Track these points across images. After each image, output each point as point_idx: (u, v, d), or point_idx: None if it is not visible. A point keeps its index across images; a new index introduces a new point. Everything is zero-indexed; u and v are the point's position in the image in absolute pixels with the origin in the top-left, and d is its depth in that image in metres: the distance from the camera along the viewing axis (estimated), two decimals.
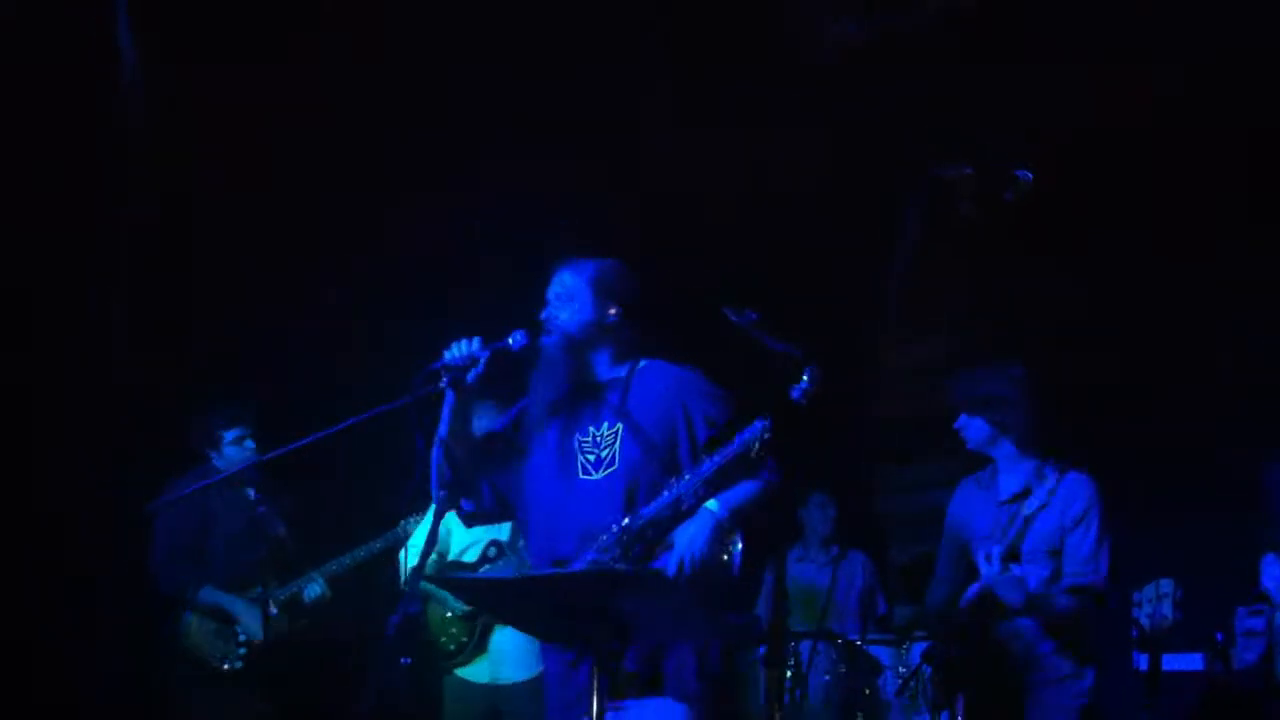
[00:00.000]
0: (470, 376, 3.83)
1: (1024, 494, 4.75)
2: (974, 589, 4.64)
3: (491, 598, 3.94)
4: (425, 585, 5.40)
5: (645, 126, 6.84)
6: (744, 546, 3.76)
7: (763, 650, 5.30)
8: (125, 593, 5.83)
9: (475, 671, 5.55)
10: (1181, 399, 6.52)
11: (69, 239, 5.74)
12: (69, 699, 5.66)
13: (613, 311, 4.02)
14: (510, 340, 3.87)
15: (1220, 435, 6.22)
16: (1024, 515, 4.62)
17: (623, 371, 4.03)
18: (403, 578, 5.37)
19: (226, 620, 5.78)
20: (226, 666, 5.74)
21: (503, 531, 5.55)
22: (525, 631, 4.42)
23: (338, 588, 5.91)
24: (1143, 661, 4.43)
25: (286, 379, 6.39)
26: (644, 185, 6.86)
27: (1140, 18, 6.06)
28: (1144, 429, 6.41)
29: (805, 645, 5.34)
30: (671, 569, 3.67)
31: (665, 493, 3.78)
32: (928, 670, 4.91)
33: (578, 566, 3.75)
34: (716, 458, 3.74)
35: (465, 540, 5.65)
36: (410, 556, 5.45)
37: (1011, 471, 4.84)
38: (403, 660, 5.09)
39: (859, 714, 5.20)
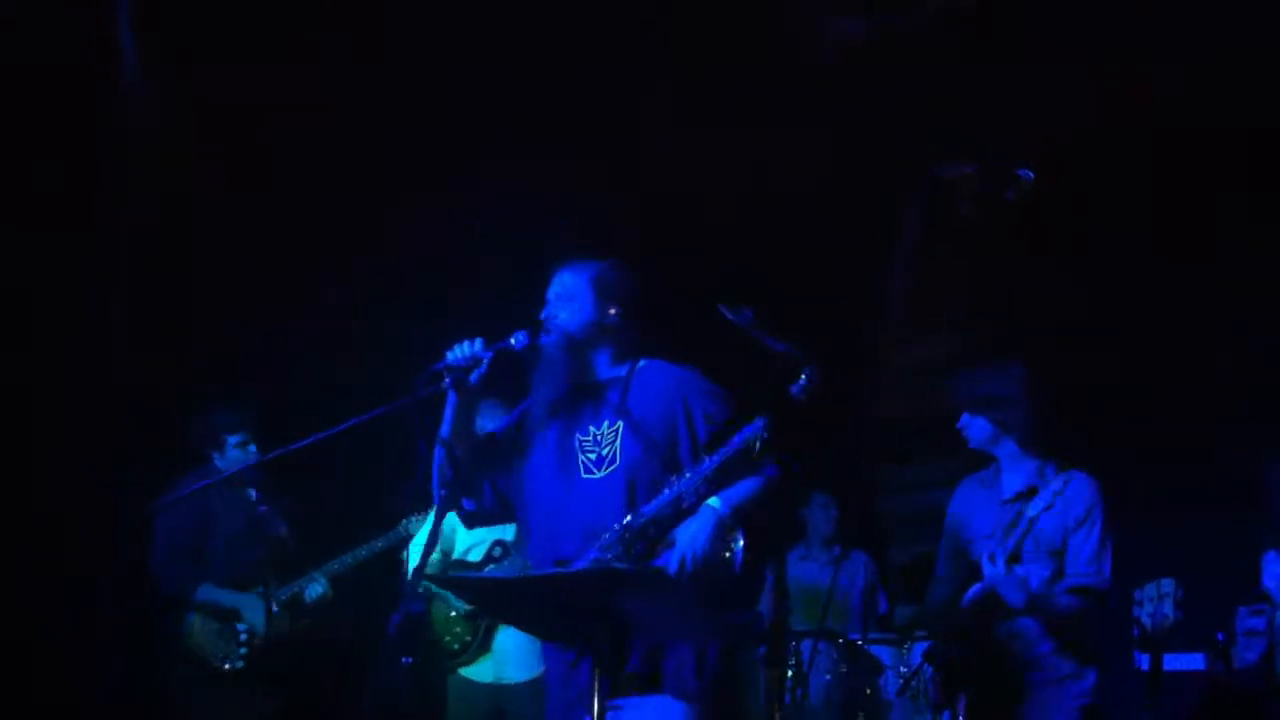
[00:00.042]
0: (473, 377, 3.85)
1: (1027, 493, 4.75)
2: (976, 589, 4.64)
3: (492, 597, 3.94)
4: (428, 584, 5.41)
5: (645, 126, 6.83)
6: (746, 544, 3.76)
7: (763, 650, 5.30)
8: (125, 593, 5.82)
9: (479, 671, 5.54)
10: (1181, 399, 6.53)
11: (69, 239, 5.73)
12: (69, 699, 5.65)
13: (613, 311, 4.03)
14: (513, 340, 3.88)
15: (1220, 435, 6.23)
16: (1029, 516, 4.62)
17: (623, 371, 4.04)
18: (407, 577, 5.38)
19: (228, 618, 5.78)
20: (228, 666, 5.74)
21: (508, 532, 5.55)
22: (527, 631, 4.43)
23: (339, 587, 5.91)
24: (1144, 661, 4.44)
25: (286, 379, 6.39)
26: (644, 185, 6.85)
27: (1140, 18, 6.05)
28: (1144, 429, 6.41)
29: (806, 645, 5.35)
30: (673, 566, 3.67)
31: (666, 490, 3.78)
32: (929, 670, 4.91)
33: (579, 565, 3.75)
34: (717, 456, 3.74)
35: (470, 540, 5.65)
36: (413, 556, 5.45)
37: (1014, 471, 4.85)
38: (404, 660, 5.10)
39: (860, 714, 5.21)
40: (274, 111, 6.27)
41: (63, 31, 5.67)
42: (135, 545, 5.74)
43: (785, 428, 3.67)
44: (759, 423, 3.69)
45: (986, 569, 4.60)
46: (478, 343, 3.85)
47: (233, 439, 5.89)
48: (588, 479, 3.93)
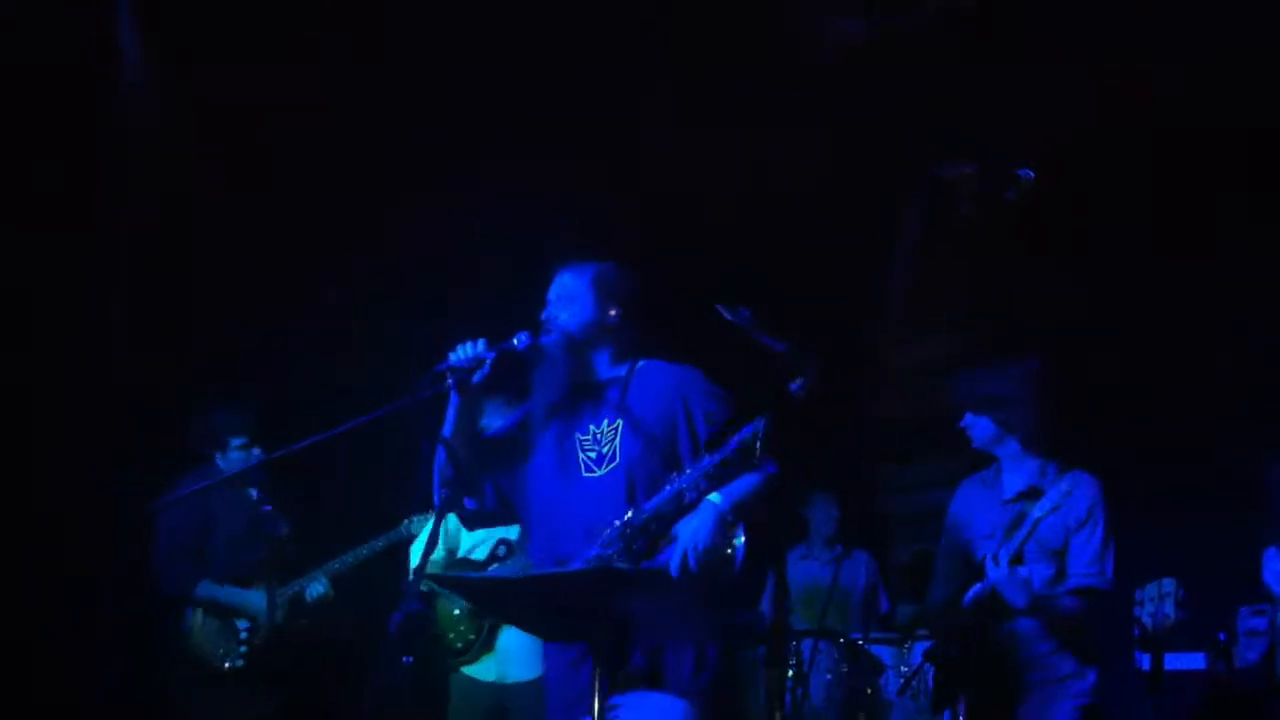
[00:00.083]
0: (476, 378, 3.85)
1: (1030, 493, 4.75)
2: (976, 589, 4.64)
3: (491, 597, 3.94)
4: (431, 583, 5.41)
5: (645, 126, 6.83)
6: (746, 540, 3.75)
7: (764, 649, 5.30)
8: (125, 593, 5.81)
9: (482, 669, 5.54)
10: (1181, 399, 6.54)
11: (69, 239, 5.72)
12: (69, 699, 5.64)
13: (613, 312, 4.04)
14: (515, 341, 3.89)
15: (1220, 435, 6.23)
16: (1034, 517, 4.61)
17: (623, 370, 4.05)
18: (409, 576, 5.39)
19: (228, 615, 5.78)
20: (228, 664, 5.74)
21: (512, 531, 5.55)
22: (528, 631, 4.42)
23: (340, 587, 5.91)
24: (1145, 661, 4.44)
25: (286, 379, 6.39)
26: (644, 185, 6.86)
27: (1140, 18, 6.05)
28: (1144, 429, 6.42)
29: (807, 644, 5.35)
30: (675, 561, 3.67)
31: (667, 486, 3.78)
32: (930, 670, 4.90)
33: (578, 563, 3.75)
34: (718, 454, 3.74)
35: (475, 538, 5.66)
36: (415, 556, 5.45)
37: (1016, 470, 4.85)
38: (405, 659, 5.09)
39: (861, 713, 5.21)
40: (274, 111, 6.27)
41: (63, 31, 5.66)
42: (135, 545, 5.73)
43: (785, 427, 3.66)
44: (760, 421, 3.68)
45: (990, 570, 4.60)
46: (480, 343, 3.86)
47: (235, 440, 5.89)
48: (588, 477, 3.93)
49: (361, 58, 6.27)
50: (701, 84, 6.68)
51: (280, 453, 3.85)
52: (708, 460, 3.76)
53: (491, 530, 5.55)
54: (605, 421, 3.97)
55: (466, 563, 5.63)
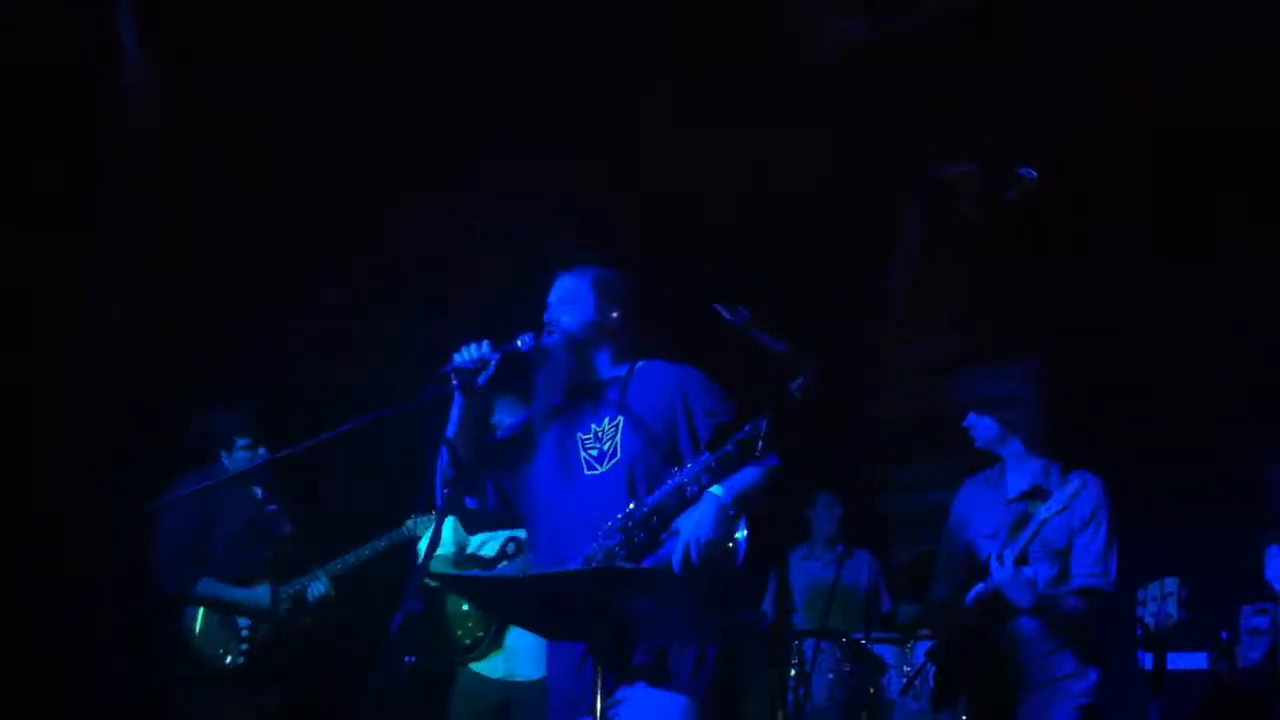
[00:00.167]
0: (480, 379, 3.85)
1: (1033, 493, 4.75)
2: (979, 588, 4.64)
3: (493, 597, 3.95)
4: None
5: (645, 126, 6.83)
6: (748, 534, 3.75)
7: (766, 649, 5.30)
8: (125, 593, 5.81)
9: (490, 666, 5.54)
10: (1181, 399, 6.54)
11: (69, 239, 5.71)
12: (69, 699, 5.64)
13: (614, 314, 4.06)
14: (519, 342, 3.91)
15: (1221, 435, 6.23)
16: (1040, 518, 4.60)
17: (623, 370, 4.06)
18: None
19: (230, 613, 5.78)
20: (229, 660, 5.74)
21: (521, 529, 5.55)
22: (531, 630, 4.43)
23: (342, 587, 5.91)
24: (1148, 661, 4.43)
25: (286, 379, 6.38)
26: (644, 185, 6.86)
27: (1140, 18, 6.05)
28: (1144, 429, 6.42)
29: (809, 644, 5.34)
30: (678, 554, 3.67)
31: (668, 481, 3.78)
32: (932, 669, 4.90)
33: (578, 559, 3.75)
34: (719, 450, 3.74)
35: (483, 535, 5.66)
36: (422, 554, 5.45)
37: (1019, 470, 4.85)
38: (407, 659, 5.09)
39: (863, 713, 5.21)
40: (274, 111, 6.26)
41: (63, 31, 5.66)
42: (135, 545, 5.73)
43: (785, 427, 3.66)
44: (761, 420, 3.68)
45: (994, 569, 4.59)
46: (484, 345, 3.87)
47: (241, 440, 5.90)
48: (589, 475, 3.94)
49: (361, 58, 6.26)
50: (701, 84, 6.68)
51: (286, 452, 3.85)
52: (709, 455, 3.76)
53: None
54: (606, 420, 3.98)
55: (475, 559, 5.63)
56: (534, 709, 5.31)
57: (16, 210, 5.56)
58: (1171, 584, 4.44)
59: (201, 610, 5.79)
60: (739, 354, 3.84)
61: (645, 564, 3.71)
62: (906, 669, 5.18)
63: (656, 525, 3.76)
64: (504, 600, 3.86)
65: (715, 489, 3.75)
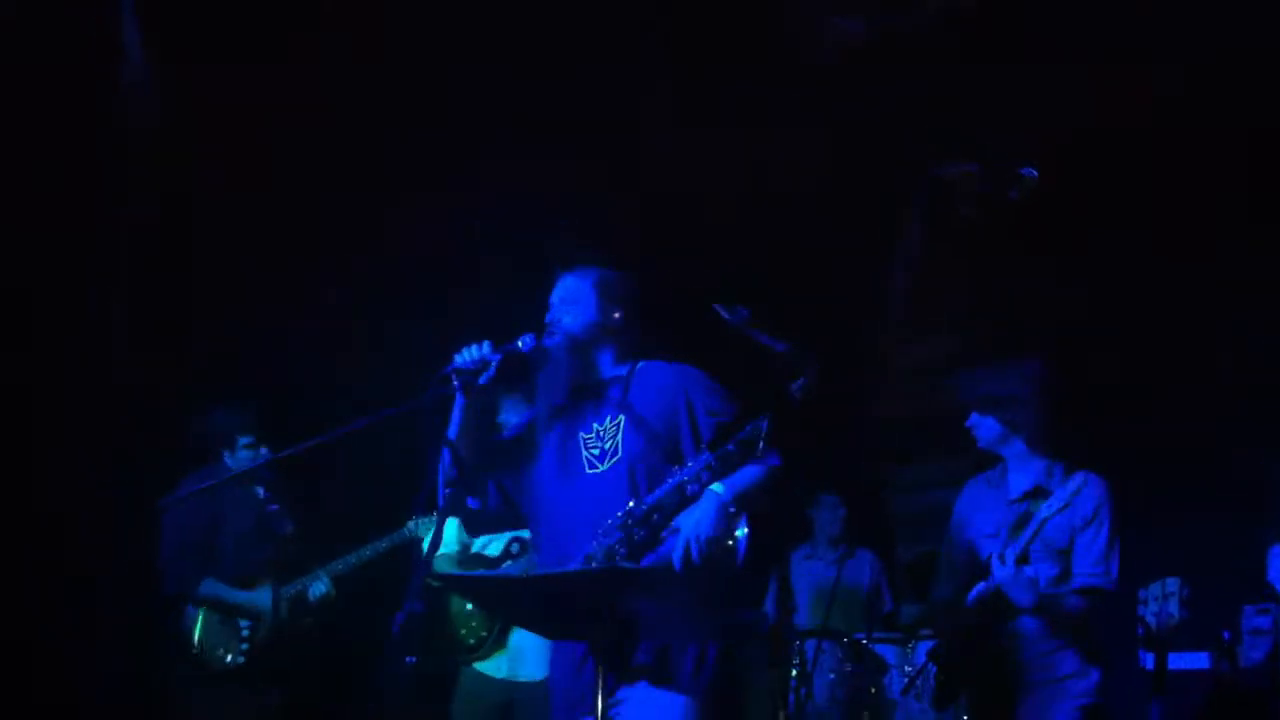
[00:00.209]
0: (482, 380, 3.85)
1: (1035, 493, 4.75)
2: (980, 588, 4.64)
3: (496, 597, 3.95)
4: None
5: (645, 126, 6.83)
6: (749, 533, 3.75)
7: (767, 649, 5.30)
8: (125, 593, 5.81)
9: (494, 666, 5.54)
10: (1182, 399, 6.54)
11: (69, 239, 5.71)
12: (69, 699, 5.63)
13: (616, 315, 4.06)
14: (520, 343, 3.91)
15: (1221, 435, 6.24)
16: (1041, 517, 4.61)
17: (624, 370, 4.06)
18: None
19: (231, 613, 5.78)
20: (230, 659, 5.74)
21: (526, 529, 5.55)
22: (533, 630, 4.43)
23: (343, 587, 5.91)
24: (1149, 661, 4.43)
25: (286, 379, 6.38)
26: (644, 185, 6.86)
27: (1140, 18, 6.06)
28: (1144, 429, 6.42)
29: (811, 644, 5.34)
30: (679, 552, 3.67)
31: (669, 479, 3.78)
32: (933, 669, 4.90)
33: (579, 558, 3.75)
34: (719, 449, 3.74)
35: (489, 534, 5.66)
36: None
37: (1021, 470, 4.85)
38: (408, 659, 5.08)
39: (864, 713, 5.21)
40: (274, 111, 6.26)
41: (63, 31, 5.65)
42: (136, 545, 5.72)
43: (786, 427, 3.66)
44: (762, 420, 3.68)
45: (996, 569, 4.59)
46: (485, 346, 3.86)
47: (243, 439, 5.90)
48: (591, 474, 3.94)
49: (361, 58, 6.26)
50: (701, 84, 6.68)
51: (289, 451, 3.85)
52: (709, 454, 3.76)
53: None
54: (608, 419, 3.99)
55: (480, 559, 5.63)
56: (537, 709, 5.30)
57: (16, 210, 5.55)
58: (1173, 584, 4.43)
59: (202, 610, 5.79)
60: (739, 354, 3.84)
61: (645, 562, 3.71)
62: (908, 669, 5.18)
63: (657, 523, 3.76)
64: (505, 600, 3.87)
65: (716, 487, 3.75)
